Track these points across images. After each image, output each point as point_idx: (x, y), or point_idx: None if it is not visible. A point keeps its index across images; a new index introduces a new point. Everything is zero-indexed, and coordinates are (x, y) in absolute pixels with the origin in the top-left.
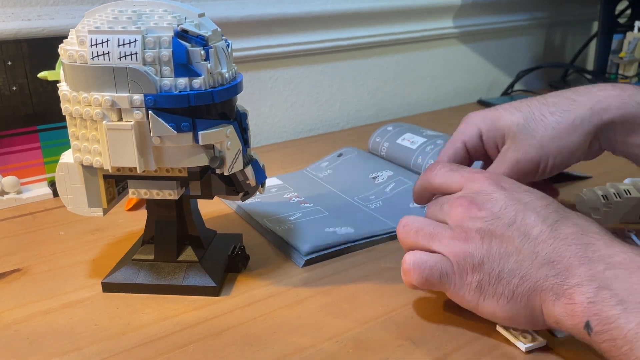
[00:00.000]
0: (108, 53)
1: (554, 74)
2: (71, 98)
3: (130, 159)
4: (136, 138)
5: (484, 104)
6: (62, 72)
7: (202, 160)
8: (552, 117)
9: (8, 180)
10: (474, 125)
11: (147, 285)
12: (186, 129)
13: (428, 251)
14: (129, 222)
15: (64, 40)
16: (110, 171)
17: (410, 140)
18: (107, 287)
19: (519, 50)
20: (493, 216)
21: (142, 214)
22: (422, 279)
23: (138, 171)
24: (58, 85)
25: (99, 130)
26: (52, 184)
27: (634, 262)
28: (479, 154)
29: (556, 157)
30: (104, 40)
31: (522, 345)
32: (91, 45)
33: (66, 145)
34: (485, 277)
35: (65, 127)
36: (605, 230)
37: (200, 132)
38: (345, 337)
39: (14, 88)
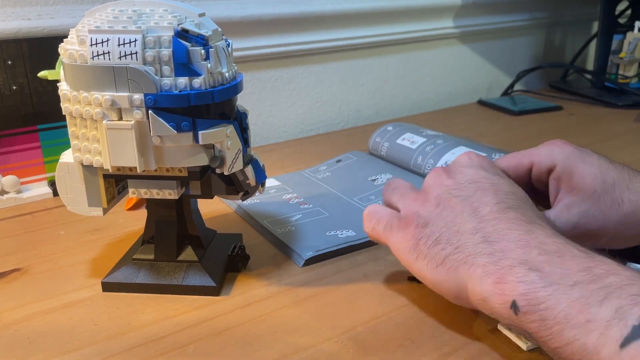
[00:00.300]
0: (108, 52)
1: (554, 74)
2: (71, 97)
3: (130, 159)
4: (136, 138)
5: (484, 104)
6: (62, 71)
7: (202, 160)
8: (629, 206)
9: (8, 180)
10: (552, 156)
11: (147, 285)
12: (186, 128)
13: (392, 207)
14: (129, 222)
15: (64, 40)
16: (110, 171)
17: (410, 140)
18: (107, 287)
19: (519, 50)
20: (455, 187)
21: (142, 214)
22: (370, 227)
23: (138, 171)
24: (58, 84)
25: (99, 129)
26: (52, 184)
27: (569, 251)
28: (539, 184)
29: (611, 238)
30: (104, 39)
31: (524, 345)
32: (91, 45)
33: (66, 145)
34: (423, 238)
35: (65, 126)
36: (552, 224)
37: (200, 132)
38: (345, 337)
39: (14, 88)
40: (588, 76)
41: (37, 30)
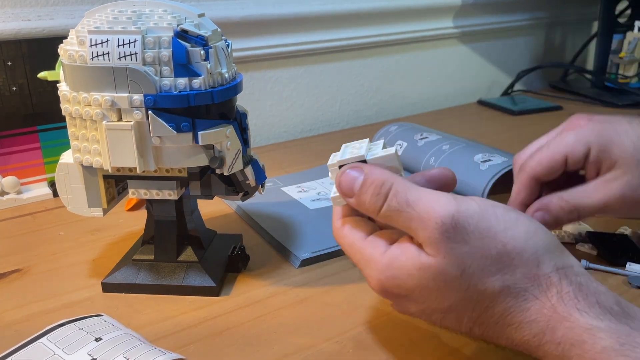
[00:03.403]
0: (108, 53)
1: (554, 74)
2: (71, 98)
3: (130, 159)
4: (136, 138)
5: (484, 104)
6: (62, 72)
7: (202, 160)
8: None
9: (8, 181)
10: (584, 141)
11: (147, 285)
12: (186, 129)
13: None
14: (129, 222)
15: (64, 41)
16: (110, 171)
17: (415, 143)
18: (107, 287)
19: (519, 50)
20: (426, 312)
21: (142, 214)
22: None
23: (138, 171)
24: (58, 85)
25: (99, 130)
26: (52, 184)
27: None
28: (575, 170)
29: None
30: (104, 40)
31: None
32: (91, 46)
33: (66, 146)
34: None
35: (65, 127)
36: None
37: (200, 132)
38: (345, 337)
39: (14, 88)
40: (588, 76)
41: (37, 31)
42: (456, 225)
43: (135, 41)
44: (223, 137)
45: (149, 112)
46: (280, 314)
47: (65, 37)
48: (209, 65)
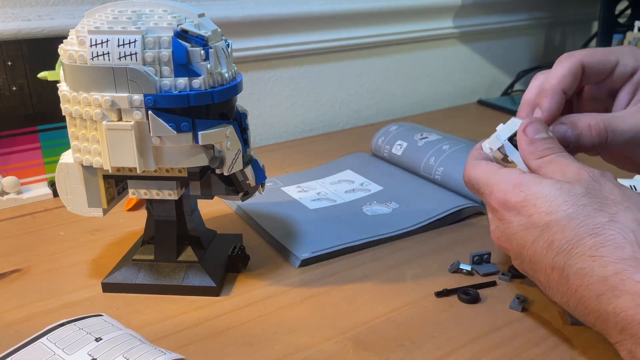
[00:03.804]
0: (108, 53)
1: None
2: (71, 98)
3: (130, 159)
4: (136, 138)
5: (484, 104)
6: (62, 72)
7: (202, 160)
8: None
9: (8, 181)
10: (637, 57)
11: (147, 286)
12: (186, 129)
13: None
14: (129, 222)
15: (64, 41)
16: (110, 171)
17: (415, 144)
18: (107, 287)
19: (519, 50)
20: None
21: (142, 214)
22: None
23: (138, 171)
24: (58, 85)
25: (99, 130)
26: (52, 184)
27: None
28: (609, 84)
29: None
30: (104, 40)
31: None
32: (91, 46)
33: (66, 146)
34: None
35: (65, 127)
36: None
37: (200, 132)
38: (345, 337)
39: (14, 88)
40: None
41: (37, 31)
42: (602, 175)
43: (135, 41)
44: (223, 137)
45: (149, 112)
46: (280, 314)
47: (65, 37)
48: (209, 65)
